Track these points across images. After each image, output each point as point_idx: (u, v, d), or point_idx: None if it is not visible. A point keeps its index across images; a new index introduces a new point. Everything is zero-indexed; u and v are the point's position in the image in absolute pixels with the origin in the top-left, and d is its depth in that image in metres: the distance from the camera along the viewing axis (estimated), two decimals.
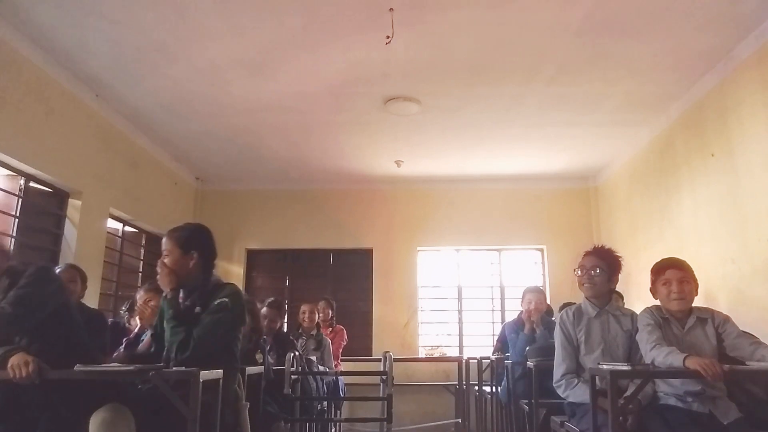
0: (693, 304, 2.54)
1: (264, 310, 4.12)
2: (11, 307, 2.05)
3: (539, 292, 4.14)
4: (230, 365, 2.36)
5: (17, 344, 2.09)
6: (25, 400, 2.08)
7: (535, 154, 5.83)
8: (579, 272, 2.77)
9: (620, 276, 2.80)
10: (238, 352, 2.44)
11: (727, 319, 2.50)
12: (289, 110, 4.72)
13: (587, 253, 2.79)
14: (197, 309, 2.31)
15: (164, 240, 2.42)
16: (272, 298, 4.39)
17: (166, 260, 2.36)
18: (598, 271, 2.71)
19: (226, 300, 2.30)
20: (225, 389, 2.27)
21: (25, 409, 2.08)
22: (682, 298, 2.47)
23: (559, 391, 2.72)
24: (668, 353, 2.26)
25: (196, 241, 2.43)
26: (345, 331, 5.29)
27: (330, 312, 5.23)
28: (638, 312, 2.67)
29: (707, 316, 2.51)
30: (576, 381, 2.64)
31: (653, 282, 2.59)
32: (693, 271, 2.53)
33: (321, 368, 4.42)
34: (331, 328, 5.19)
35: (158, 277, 2.39)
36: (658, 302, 2.59)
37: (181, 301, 2.39)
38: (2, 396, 2.09)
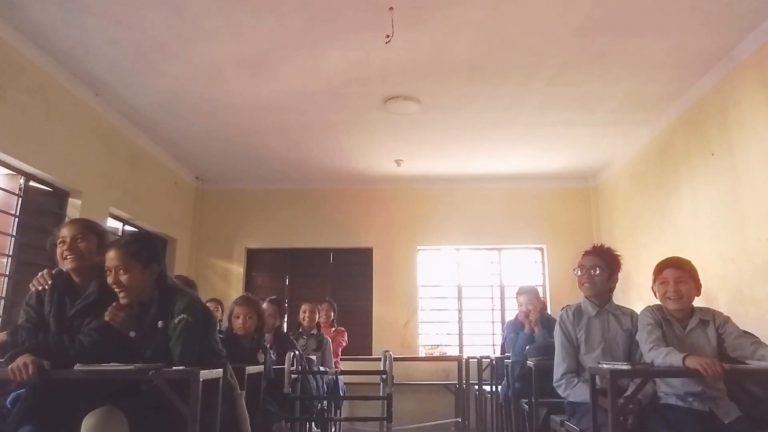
0: (694, 305, 2.54)
1: (264, 305, 4.13)
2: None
3: (531, 292, 4.13)
4: (218, 361, 2.34)
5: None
6: (56, 401, 2.09)
7: (535, 154, 5.83)
8: (579, 272, 2.77)
9: (620, 275, 2.80)
10: (218, 345, 2.41)
11: (727, 320, 2.50)
12: (289, 110, 4.72)
13: (586, 253, 2.80)
14: (160, 323, 2.22)
15: (114, 254, 2.20)
16: (273, 297, 4.41)
17: (122, 278, 2.17)
18: (597, 270, 2.71)
19: (184, 316, 2.20)
20: (217, 383, 2.26)
21: (53, 409, 2.08)
22: (679, 297, 2.47)
23: (560, 391, 2.72)
24: (667, 353, 2.27)
25: (154, 253, 2.31)
26: (346, 333, 5.30)
27: (332, 314, 5.26)
28: (638, 311, 2.68)
29: (709, 317, 2.51)
30: (576, 380, 2.64)
31: (653, 281, 2.59)
32: (694, 271, 2.53)
33: (321, 368, 4.42)
34: (333, 328, 5.21)
35: (119, 292, 2.21)
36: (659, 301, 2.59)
37: (143, 311, 2.29)
38: (32, 397, 2.10)
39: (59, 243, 2.29)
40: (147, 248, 2.29)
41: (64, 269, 2.30)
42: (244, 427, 2.47)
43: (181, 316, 2.20)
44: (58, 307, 2.22)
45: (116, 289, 2.20)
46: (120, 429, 1.99)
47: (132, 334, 2.22)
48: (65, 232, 2.29)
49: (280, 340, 4.13)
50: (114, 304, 2.21)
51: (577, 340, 2.71)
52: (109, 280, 2.20)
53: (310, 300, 4.98)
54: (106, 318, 2.18)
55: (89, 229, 2.33)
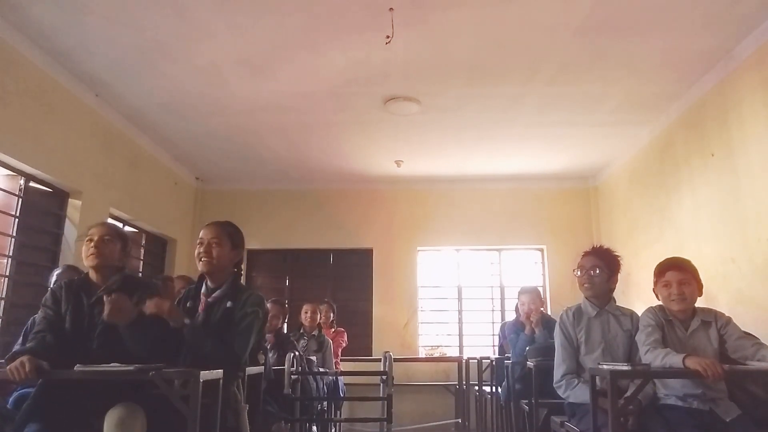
0: (696, 304, 2.53)
1: (268, 305, 4.13)
2: None
3: (534, 292, 4.13)
4: (239, 367, 2.43)
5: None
6: (63, 400, 2.11)
7: (535, 154, 5.83)
8: (578, 272, 2.77)
9: (620, 276, 2.80)
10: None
11: (729, 321, 2.49)
12: (289, 110, 4.72)
13: (586, 253, 2.80)
14: (228, 303, 2.37)
15: (212, 229, 2.45)
16: (275, 298, 4.41)
17: (214, 251, 2.39)
18: (597, 271, 2.71)
19: (257, 309, 2.38)
20: (226, 390, 2.29)
21: (61, 408, 2.10)
22: (683, 299, 2.46)
23: (560, 392, 2.72)
24: (665, 355, 2.26)
25: (242, 242, 2.54)
26: (345, 334, 5.31)
27: (331, 315, 5.26)
28: (638, 311, 2.67)
29: (710, 318, 2.50)
30: (576, 381, 2.64)
31: (655, 283, 2.59)
32: (696, 271, 2.53)
33: (321, 369, 4.42)
34: (333, 329, 5.21)
35: (201, 261, 2.39)
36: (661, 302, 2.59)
37: (208, 292, 2.43)
38: (40, 396, 2.13)
39: (86, 241, 2.38)
40: (239, 235, 2.54)
41: (86, 266, 2.38)
42: None
43: (256, 308, 2.38)
44: (75, 305, 2.28)
45: (203, 258, 2.38)
46: (140, 424, 2.02)
47: (186, 321, 2.27)
48: (93, 231, 2.39)
49: (281, 340, 4.13)
50: (155, 298, 2.23)
51: (577, 340, 2.71)
52: (200, 250, 2.40)
53: (311, 300, 4.98)
54: (149, 310, 2.19)
55: (116, 233, 2.45)
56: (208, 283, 2.44)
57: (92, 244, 2.34)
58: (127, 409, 2.03)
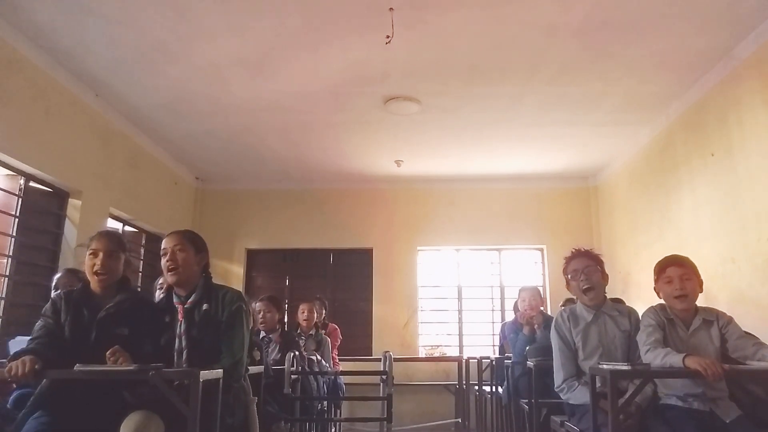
0: (697, 303, 2.52)
1: (257, 304, 4.09)
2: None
3: (534, 290, 4.13)
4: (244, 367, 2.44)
5: None
6: (66, 399, 2.12)
7: (535, 154, 5.83)
8: (573, 277, 2.70)
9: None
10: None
11: (730, 320, 2.48)
12: (289, 110, 4.72)
13: (574, 257, 2.73)
14: (205, 306, 2.36)
15: (173, 237, 2.43)
16: (262, 296, 4.39)
17: (178, 257, 2.37)
18: (592, 270, 2.67)
19: (241, 304, 2.40)
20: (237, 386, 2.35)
21: (67, 403, 2.11)
22: (685, 295, 2.44)
23: (561, 395, 2.69)
24: (665, 354, 2.25)
25: (204, 245, 2.53)
26: (338, 330, 5.29)
27: (323, 312, 5.23)
28: (639, 311, 2.66)
29: (712, 318, 2.48)
30: (576, 384, 2.62)
31: (656, 281, 2.57)
32: (696, 268, 2.51)
33: (323, 364, 4.41)
34: (324, 330, 5.19)
35: (169, 272, 2.36)
36: (662, 301, 2.57)
37: (182, 299, 2.40)
38: (45, 392, 2.14)
39: (89, 254, 2.32)
40: (200, 240, 2.53)
41: (90, 281, 2.33)
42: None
43: (239, 304, 2.40)
44: (75, 316, 2.26)
45: (169, 267, 2.36)
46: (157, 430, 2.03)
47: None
48: (97, 245, 2.33)
49: (287, 340, 4.11)
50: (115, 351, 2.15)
51: (574, 344, 2.67)
52: (165, 260, 2.38)
53: (309, 300, 4.96)
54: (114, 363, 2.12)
55: (119, 245, 2.40)
56: (178, 292, 2.41)
57: (98, 260, 2.28)
58: (144, 416, 2.02)
